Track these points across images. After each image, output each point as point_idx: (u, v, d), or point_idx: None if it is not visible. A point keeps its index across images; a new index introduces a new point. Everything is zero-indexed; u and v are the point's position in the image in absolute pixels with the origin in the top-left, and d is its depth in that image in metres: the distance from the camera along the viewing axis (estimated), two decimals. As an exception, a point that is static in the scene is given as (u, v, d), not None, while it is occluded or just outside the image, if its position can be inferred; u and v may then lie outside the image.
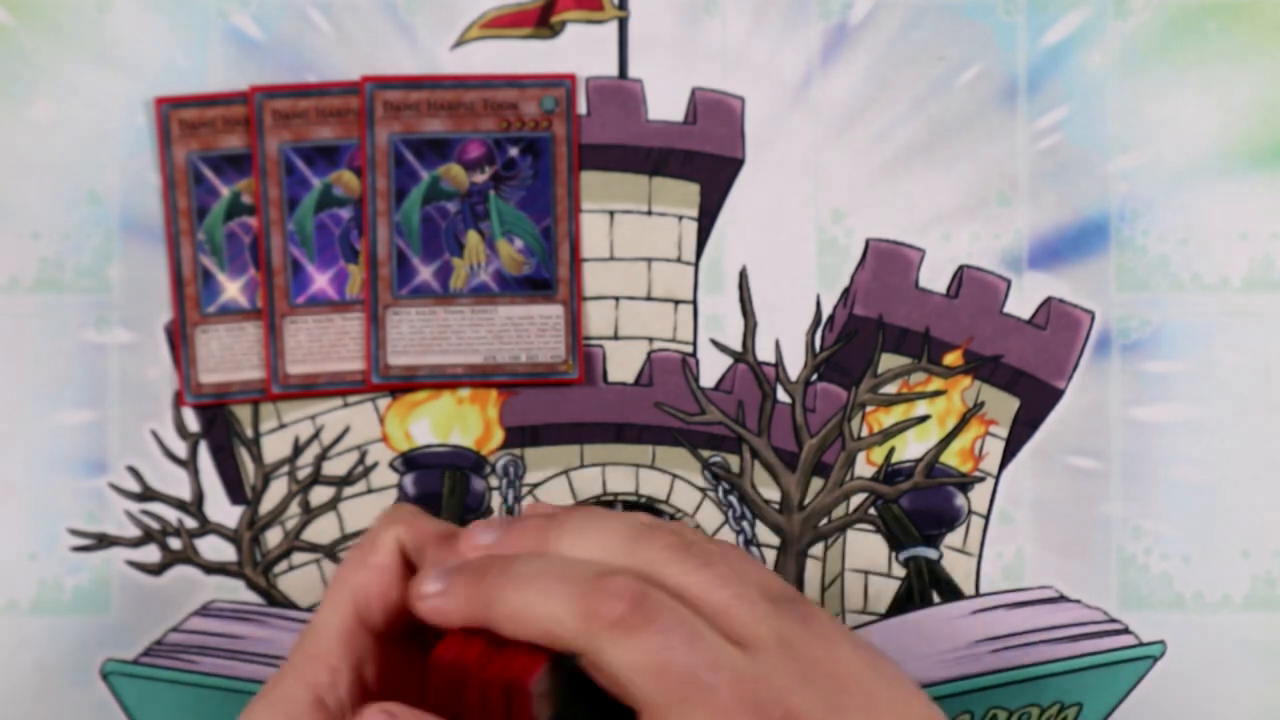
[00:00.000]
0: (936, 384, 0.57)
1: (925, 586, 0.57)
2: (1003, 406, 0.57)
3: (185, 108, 0.56)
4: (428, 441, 0.57)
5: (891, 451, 0.57)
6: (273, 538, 0.56)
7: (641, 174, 0.57)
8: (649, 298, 0.57)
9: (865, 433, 0.57)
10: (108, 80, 0.56)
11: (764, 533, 0.57)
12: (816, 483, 0.57)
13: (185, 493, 0.56)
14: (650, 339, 0.57)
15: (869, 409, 0.57)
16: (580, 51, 0.57)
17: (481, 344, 0.57)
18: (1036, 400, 0.57)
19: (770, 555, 0.57)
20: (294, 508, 0.57)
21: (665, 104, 0.57)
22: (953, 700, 0.56)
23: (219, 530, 0.56)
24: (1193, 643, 0.56)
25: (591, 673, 0.38)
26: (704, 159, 0.57)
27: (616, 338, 0.57)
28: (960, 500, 0.57)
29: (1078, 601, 0.57)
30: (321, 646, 0.41)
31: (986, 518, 0.57)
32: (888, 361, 0.57)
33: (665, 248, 0.57)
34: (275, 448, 0.57)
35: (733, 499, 0.57)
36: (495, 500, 0.57)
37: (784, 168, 0.57)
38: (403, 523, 0.42)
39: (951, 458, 0.57)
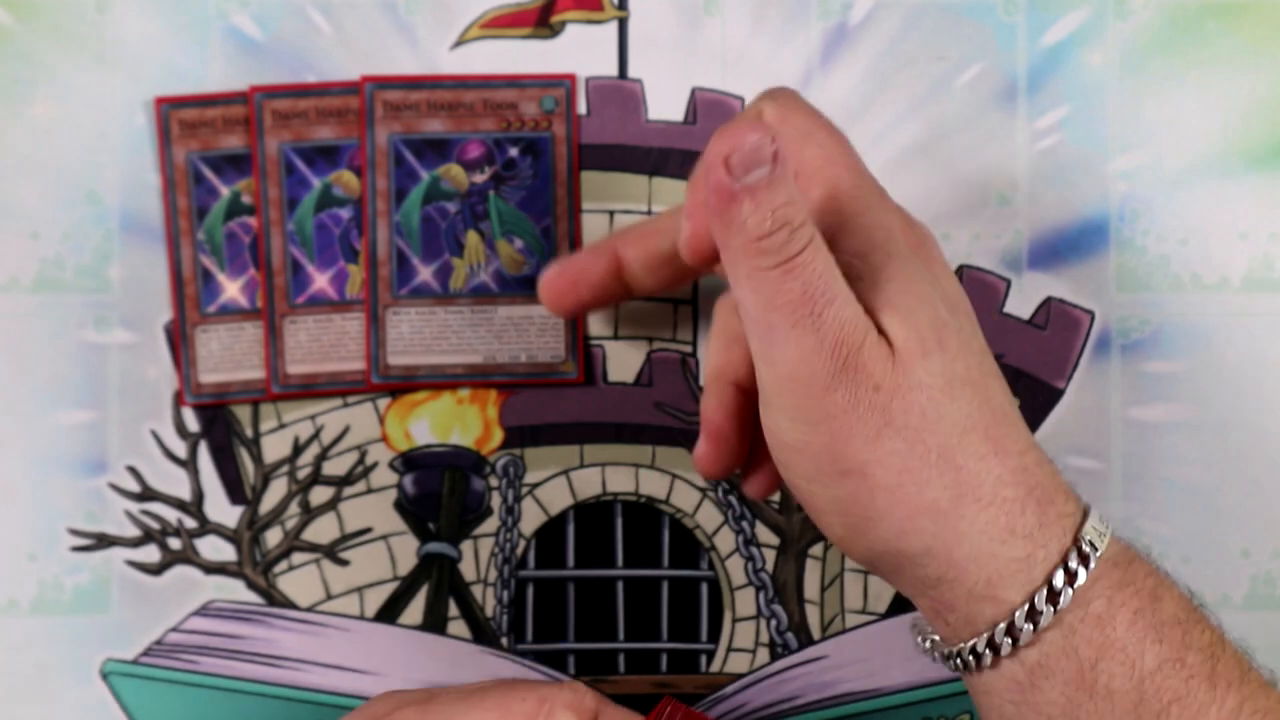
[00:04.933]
0: (936, 384, 0.57)
1: (925, 586, 0.57)
2: (1003, 406, 0.57)
3: (185, 108, 0.56)
4: (427, 441, 0.57)
5: (891, 451, 0.57)
6: (272, 538, 0.56)
7: (641, 174, 0.57)
8: (649, 298, 0.57)
9: (865, 433, 0.57)
10: (108, 80, 0.56)
11: (764, 533, 0.57)
12: (816, 483, 0.57)
13: (185, 493, 0.56)
14: (650, 339, 0.57)
15: (869, 409, 0.57)
16: (580, 51, 0.57)
17: (481, 344, 0.57)
18: (1036, 400, 0.57)
19: (770, 555, 0.57)
20: (294, 508, 0.57)
21: (665, 104, 0.57)
22: (952, 700, 0.56)
23: (219, 530, 0.56)
24: (1193, 643, 0.56)
25: None
26: (704, 159, 0.57)
27: (616, 338, 0.57)
28: (960, 500, 0.57)
29: (1078, 601, 0.57)
30: None
31: (986, 518, 0.57)
32: (888, 361, 0.57)
33: (665, 248, 0.57)
34: (275, 448, 0.57)
35: (732, 499, 0.57)
36: (495, 500, 0.57)
37: (784, 168, 0.57)
38: None
39: (951, 458, 0.57)
